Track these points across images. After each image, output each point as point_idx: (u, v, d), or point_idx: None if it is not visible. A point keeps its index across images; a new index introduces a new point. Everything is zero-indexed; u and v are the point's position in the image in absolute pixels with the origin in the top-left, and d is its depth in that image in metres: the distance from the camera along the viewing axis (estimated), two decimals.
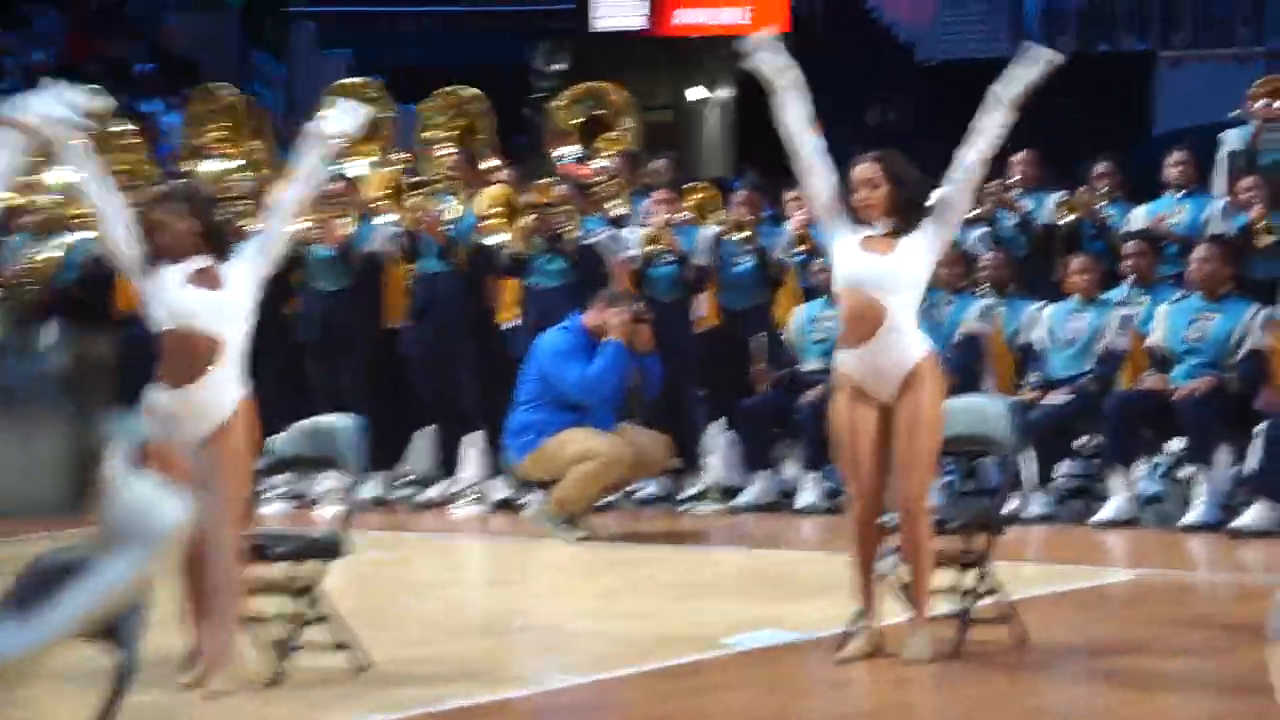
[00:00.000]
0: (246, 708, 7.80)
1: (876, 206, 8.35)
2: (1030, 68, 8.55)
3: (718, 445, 14.13)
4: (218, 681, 7.87)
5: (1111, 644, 9.01)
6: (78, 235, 14.57)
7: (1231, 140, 15.06)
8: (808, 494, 13.31)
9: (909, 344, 8.32)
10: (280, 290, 14.38)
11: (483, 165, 14.42)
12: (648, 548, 12.27)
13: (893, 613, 8.68)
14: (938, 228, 8.43)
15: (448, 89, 14.88)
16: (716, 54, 29.76)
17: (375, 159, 14.59)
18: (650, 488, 13.97)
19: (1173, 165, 14.35)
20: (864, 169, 8.41)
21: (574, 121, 14.83)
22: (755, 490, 13.63)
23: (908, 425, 8.30)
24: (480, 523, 13.56)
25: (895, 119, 26.48)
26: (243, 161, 14.93)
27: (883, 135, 23.68)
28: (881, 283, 8.28)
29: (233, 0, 28.58)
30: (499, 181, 14.25)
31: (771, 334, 13.95)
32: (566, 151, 14.73)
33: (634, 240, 14.02)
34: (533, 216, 13.73)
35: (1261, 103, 15.06)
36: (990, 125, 8.56)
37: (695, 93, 30.91)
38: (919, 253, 8.37)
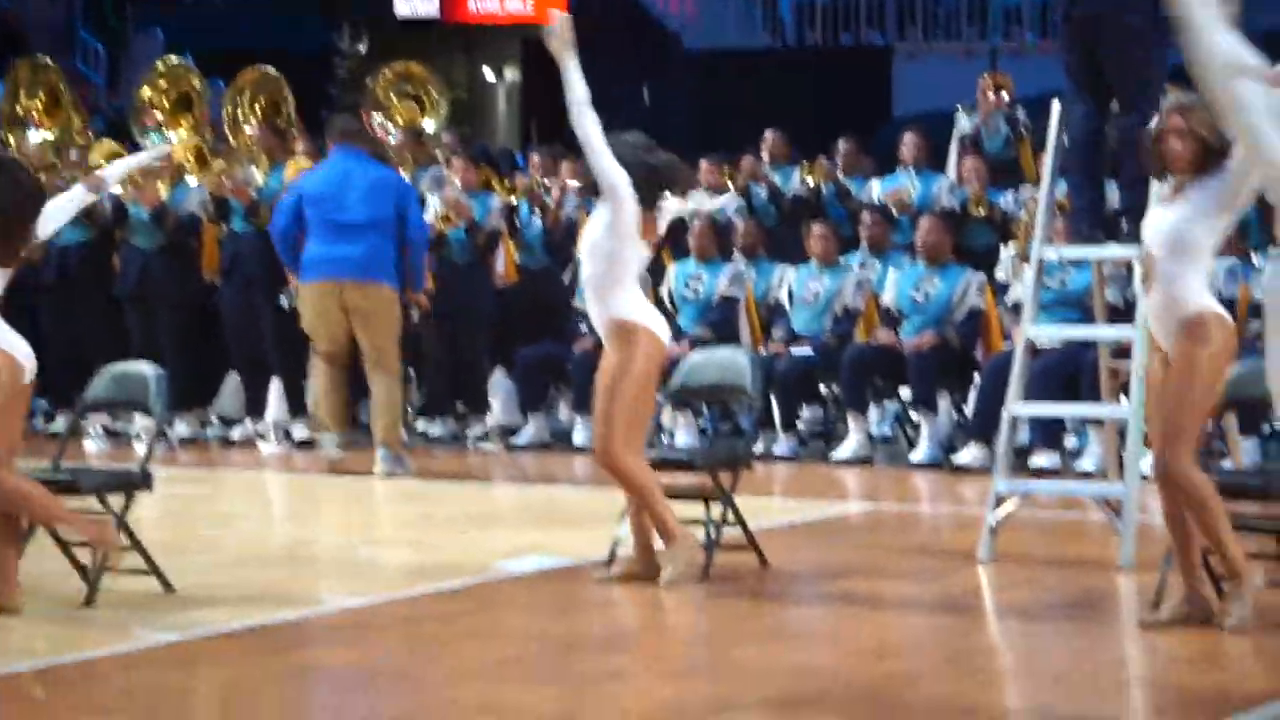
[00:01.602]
0: (56, 629, 7.65)
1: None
2: None
3: (499, 390, 14.10)
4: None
5: (846, 569, 9.07)
6: None
7: (962, 125, 15.23)
8: (579, 433, 13.30)
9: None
10: (105, 248, 14.21)
11: (286, 139, 14.26)
12: (435, 483, 12.20)
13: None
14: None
15: (254, 67, 14.69)
16: (504, 39, 29.64)
17: (186, 131, 14.35)
18: (438, 429, 13.95)
19: (907, 145, 14.49)
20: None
21: (391, 96, 14.78)
22: (530, 431, 13.61)
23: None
24: (283, 460, 13.42)
25: (661, 103, 26.56)
26: (57, 133, 14.70)
27: (649, 117, 23.73)
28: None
29: None
30: (302, 153, 14.09)
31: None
32: (380, 122, 14.68)
33: (430, 206, 13.92)
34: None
35: (988, 94, 15.25)
36: None
37: (486, 74, 30.76)
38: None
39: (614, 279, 8.38)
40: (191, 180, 14.11)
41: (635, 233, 8.37)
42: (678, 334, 13.28)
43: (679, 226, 14.07)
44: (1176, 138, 7.29)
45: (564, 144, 16.25)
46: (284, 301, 13.11)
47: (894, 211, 13.88)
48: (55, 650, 7.23)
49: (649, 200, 8.40)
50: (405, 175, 14.21)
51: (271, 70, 14.55)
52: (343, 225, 12.30)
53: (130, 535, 8.17)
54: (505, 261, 14.19)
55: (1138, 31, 8.84)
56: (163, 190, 13.94)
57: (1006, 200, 13.85)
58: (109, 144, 14.61)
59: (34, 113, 14.81)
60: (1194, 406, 7.26)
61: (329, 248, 12.32)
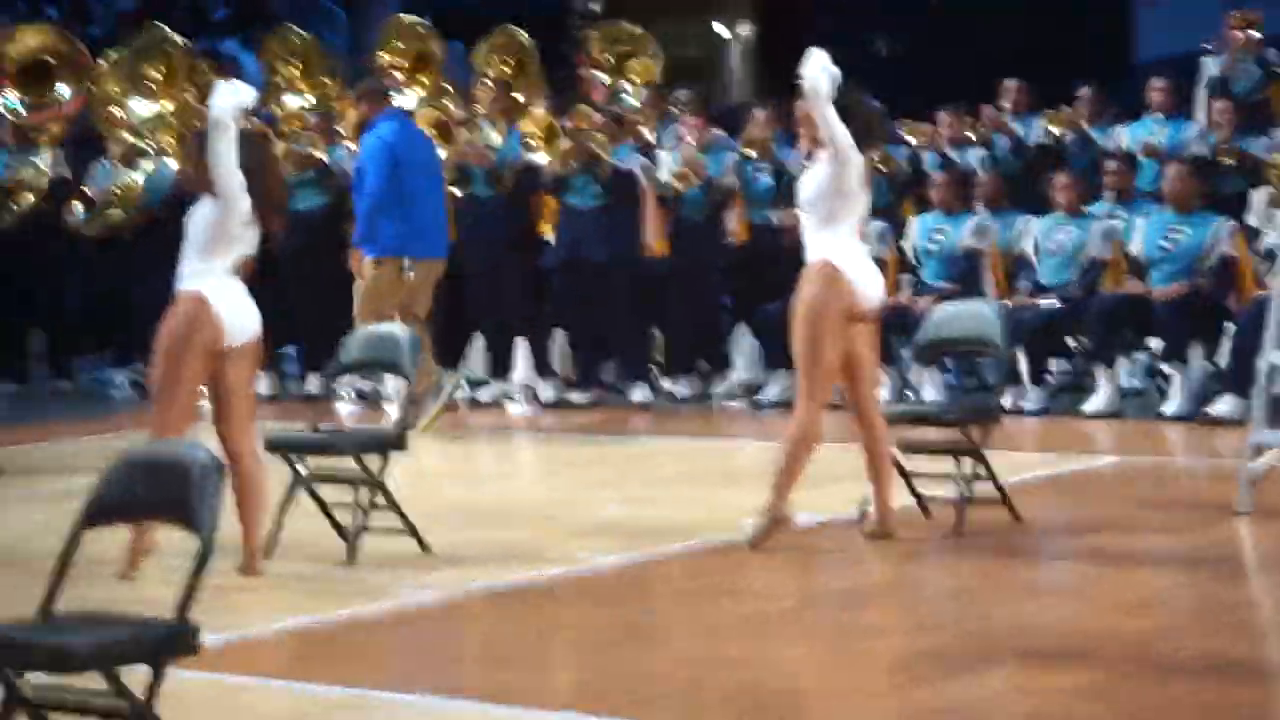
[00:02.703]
0: (317, 586, 7.88)
1: None
2: None
3: (743, 347, 14.14)
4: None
5: (1096, 523, 9.04)
6: (158, 162, 14.70)
7: (1209, 68, 14.97)
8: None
9: None
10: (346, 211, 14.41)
11: (520, 97, 14.41)
12: (682, 440, 12.31)
13: (897, 497, 8.75)
14: None
15: (504, 28, 14.81)
16: None
17: (425, 94, 14.55)
18: (682, 387, 14.02)
19: (1154, 91, 14.30)
20: None
21: (607, 56, 14.89)
22: (775, 388, 13.65)
23: None
24: (530, 421, 13.60)
25: (902, 52, 26.38)
26: (316, 98, 15.01)
27: (890, 65, 23.59)
28: None
29: None
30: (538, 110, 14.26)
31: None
32: (601, 79, 14.78)
33: (666, 164, 14.00)
34: (570, 142, 13.74)
35: (1236, 33, 14.97)
36: None
37: (719, 29, 30.79)
38: None
39: (828, 228, 8.43)
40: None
41: (858, 186, 8.43)
42: (921, 287, 13.27)
43: (922, 178, 14.03)
44: None
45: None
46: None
47: (1143, 159, 13.70)
48: (320, 609, 7.44)
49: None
50: (648, 133, 14.30)
51: (521, 33, 14.69)
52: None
53: (388, 496, 8.38)
54: (736, 219, 14.23)
55: None
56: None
57: (1258, 144, 13.60)
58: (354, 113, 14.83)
59: (294, 81, 15.14)
60: None
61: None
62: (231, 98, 7.76)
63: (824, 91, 8.29)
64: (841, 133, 8.33)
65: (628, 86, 14.87)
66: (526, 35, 14.69)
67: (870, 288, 8.52)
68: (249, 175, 7.85)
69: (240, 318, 7.90)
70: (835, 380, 8.54)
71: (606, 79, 14.98)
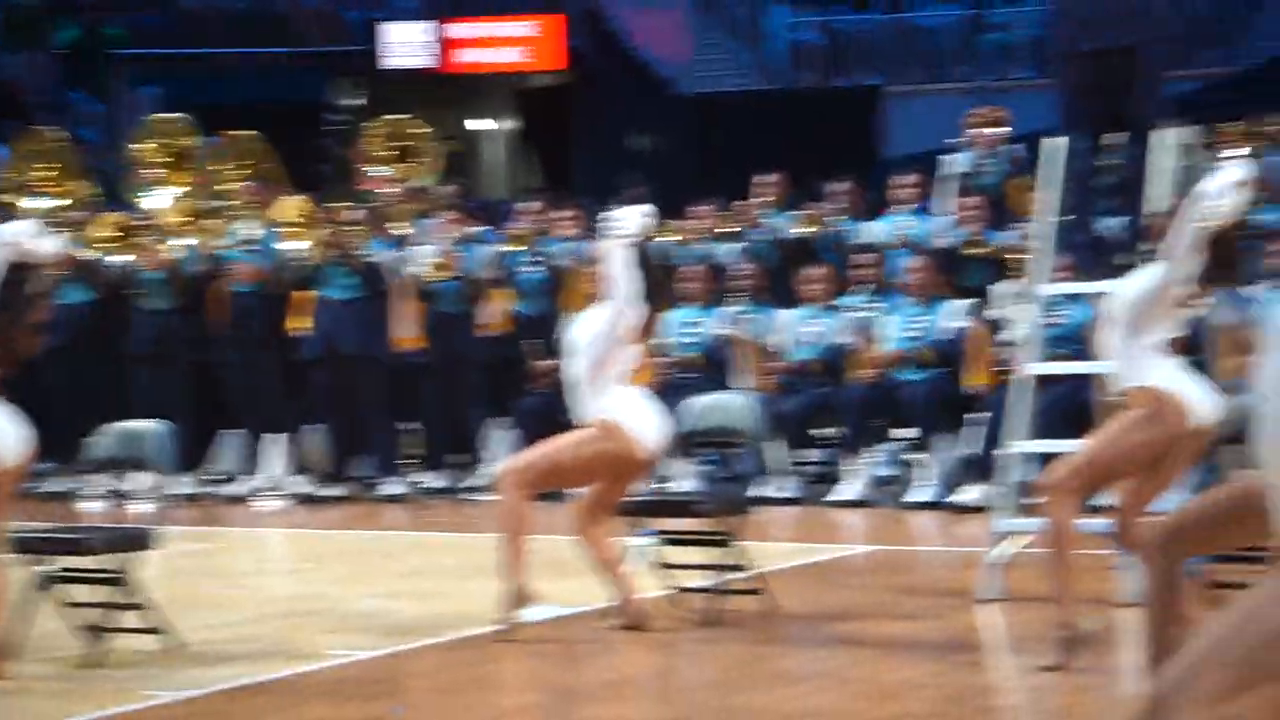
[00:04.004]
0: (65, 687, 7.68)
1: None
2: None
3: (501, 440, 14.10)
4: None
5: (848, 611, 9.11)
6: None
7: (955, 163, 15.27)
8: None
9: None
10: (110, 308, 14.26)
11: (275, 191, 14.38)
12: (435, 534, 12.24)
13: (651, 587, 8.75)
14: None
15: (231, 133, 14.80)
16: (498, 89, 29.74)
17: (183, 189, 14.44)
18: (436, 480, 13.98)
19: (904, 186, 14.55)
20: None
21: (382, 151, 14.91)
22: None
23: None
24: (283, 516, 13.45)
25: (659, 147, 26.61)
26: (69, 200, 14.80)
27: (647, 161, 23.76)
28: None
29: (57, 42, 28.10)
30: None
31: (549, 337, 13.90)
32: (375, 172, 14.80)
33: (422, 258, 13.97)
34: (328, 232, 13.67)
35: (980, 130, 15.30)
36: None
37: (478, 124, 30.85)
38: None
39: (603, 378, 8.47)
40: (190, 240, 14.18)
41: (632, 337, 8.47)
42: (677, 381, 13.34)
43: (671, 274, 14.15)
44: None
45: (557, 192, 16.34)
46: None
47: (894, 252, 13.94)
48: (65, 711, 7.25)
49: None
50: (405, 228, 14.29)
51: (252, 134, 14.67)
52: None
53: (137, 593, 8.20)
54: (496, 310, 14.23)
55: (1147, 63, 8.92)
56: (164, 251, 14.04)
57: (1003, 237, 13.90)
58: (114, 216, 14.68)
59: (46, 182, 14.91)
60: None
61: None
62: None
63: (624, 242, 8.33)
64: (628, 285, 8.37)
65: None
66: (260, 138, 14.65)
67: (650, 436, 8.55)
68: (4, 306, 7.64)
69: (7, 439, 7.66)
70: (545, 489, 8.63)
71: (382, 171, 14.97)
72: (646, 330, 8.56)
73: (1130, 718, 5.98)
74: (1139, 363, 7.36)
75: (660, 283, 8.75)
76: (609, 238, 8.38)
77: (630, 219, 8.36)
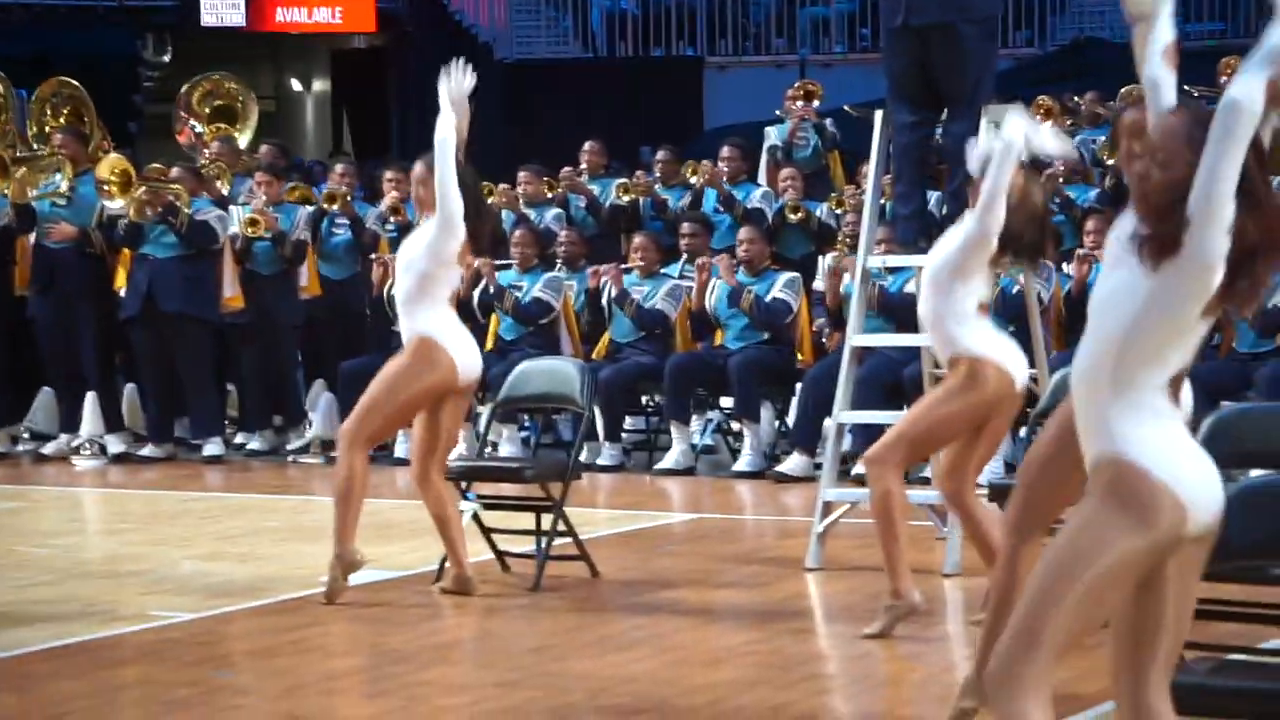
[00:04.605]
0: None
1: None
2: None
3: (320, 403, 13.97)
4: None
5: (671, 579, 9.13)
6: None
7: (772, 136, 15.37)
8: (400, 446, 13.23)
9: None
10: None
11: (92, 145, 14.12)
12: (256, 496, 12.11)
13: (476, 552, 8.73)
14: None
15: (54, 79, 14.53)
16: (312, 49, 29.40)
17: None
18: (257, 442, 13.84)
19: (724, 157, 14.61)
20: None
21: (203, 107, 14.72)
22: None
23: None
24: (99, 476, 13.24)
25: (475, 112, 26.40)
26: None
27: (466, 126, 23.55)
28: None
29: None
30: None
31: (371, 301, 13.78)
32: (193, 128, 14.59)
33: (239, 216, 13.80)
34: (145, 190, 13.43)
35: (797, 104, 15.43)
36: None
37: (292, 84, 30.51)
38: None
39: (427, 296, 8.40)
40: None
41: (455, 258, 8.41)
42: (498, 343, 13.28)
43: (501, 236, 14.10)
44: None
45: (372, 154, 16.21)
46: None
47: (718, 220, 13.99)
48: None
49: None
50: (223, 187, 14.11)
51: (71, 80, 14.40)
52: None
53: None
54: (309, 274, 14.09)
55: (971, 41, 8.98)
56: None
57: (822, 210, 14.01)
58: None
59: None
60: None
61: None
62: None
63: (450, 154, 8.26)
64: (456, 201, 8.30)
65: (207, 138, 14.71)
66: (78, 85, 14.39)
67: (469, 361, 8.49)
68: None
69: None
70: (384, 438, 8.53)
71: (201, 129, 14.82)
72: (473, 250, 8.53)
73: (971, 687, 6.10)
74: (952, 329, 7.42)
75: (482, 201, 8.66)
76: (441, 148, 8.29)
77: (447, 129, 8.29)
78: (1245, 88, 4.02)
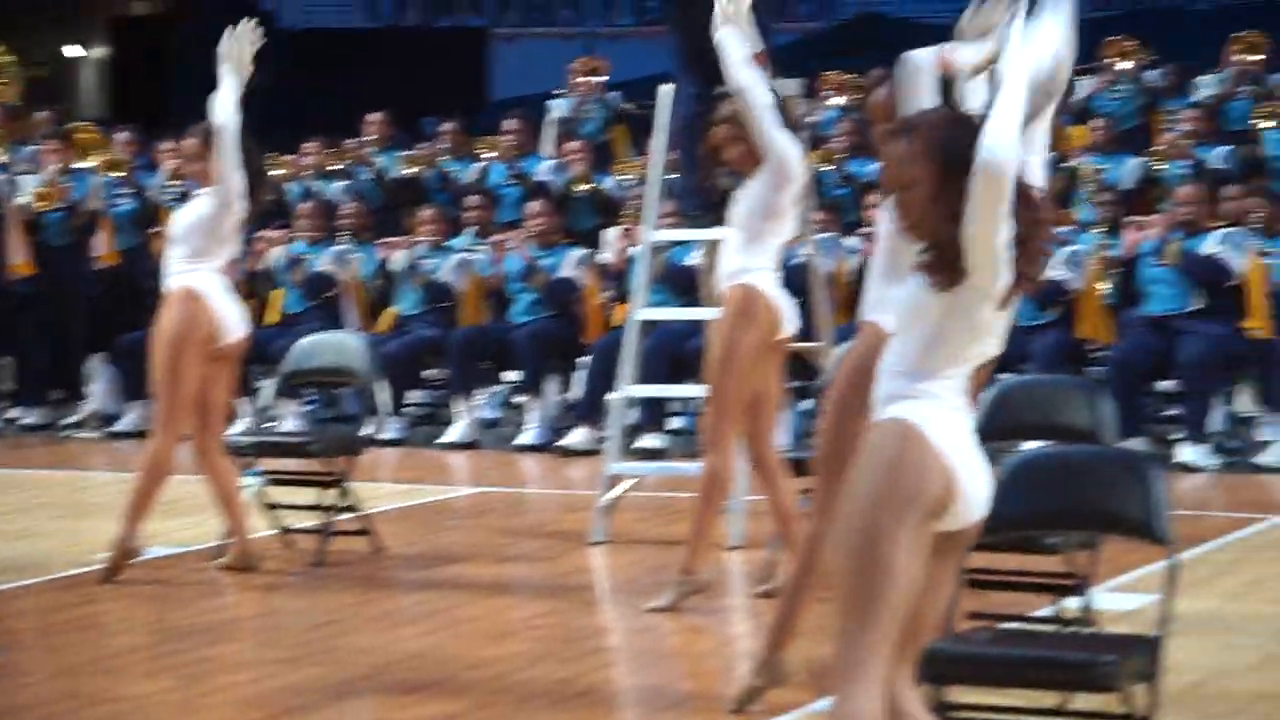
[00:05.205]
0: None
1: None
2: None
3: (100, 376, 13.74)
4: None
5: (456, 553, 9.13)
6: None
7: (558, 109, 15.35)
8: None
9: None
10: None
11: None
12: (32, 471, 11.91)
13: (258, 527, 8.66)
14: None
15: None
16: (93, 13, 28.92)
17: None
18: (33, 417, 13.59)
19: (509, 130, 14.57)
20: None
21: None
22: (133, 418, 13.32)
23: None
24: None
25: (259, 80, 26.16)
26: None
27: (250, 95, 23.32)
28: None
29: None
30: None
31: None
32: None
33: (28, 187, 13.54)
34: None
35: (581, 78, 15.43)
36: None
37: (72, 50, 29.98)
38: None
39: (198, 263, 8.33)
40: None
41: (234, 229, 8.36)
42: (284, 316, 13.16)
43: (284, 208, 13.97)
44: None
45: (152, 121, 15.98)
46: None
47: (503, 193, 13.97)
48: None
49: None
50: (3, 154, 13.83)
51: None
52: None
53: None
54: (105, 242, 13.85)
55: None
56: None
57: (609, 183, 14.03)
58: None
59: None
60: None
61: None
62: None
63: (231, 128, 8.18)
64: (239, 184, 8.22)
65: None
66: None
67: (230, 318, 8.41)
68: None
69: None
70: (191, 410, 8.39)
71: None
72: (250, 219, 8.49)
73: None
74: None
75: (262, 173, 8.58)
76: (220, 124, 8.21)
77: (228, 112, 8.21)
78: (996, 139, 4.08)
